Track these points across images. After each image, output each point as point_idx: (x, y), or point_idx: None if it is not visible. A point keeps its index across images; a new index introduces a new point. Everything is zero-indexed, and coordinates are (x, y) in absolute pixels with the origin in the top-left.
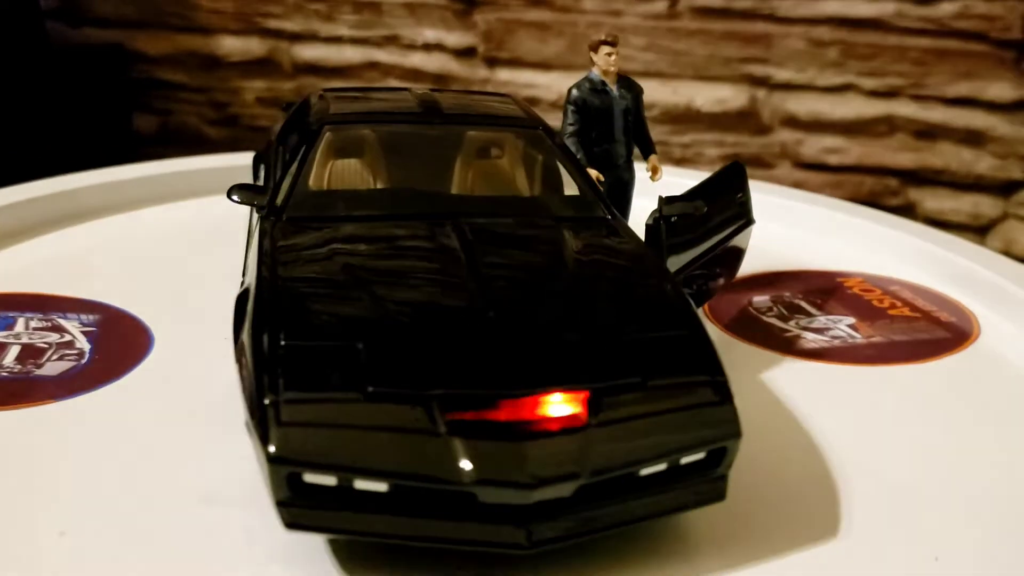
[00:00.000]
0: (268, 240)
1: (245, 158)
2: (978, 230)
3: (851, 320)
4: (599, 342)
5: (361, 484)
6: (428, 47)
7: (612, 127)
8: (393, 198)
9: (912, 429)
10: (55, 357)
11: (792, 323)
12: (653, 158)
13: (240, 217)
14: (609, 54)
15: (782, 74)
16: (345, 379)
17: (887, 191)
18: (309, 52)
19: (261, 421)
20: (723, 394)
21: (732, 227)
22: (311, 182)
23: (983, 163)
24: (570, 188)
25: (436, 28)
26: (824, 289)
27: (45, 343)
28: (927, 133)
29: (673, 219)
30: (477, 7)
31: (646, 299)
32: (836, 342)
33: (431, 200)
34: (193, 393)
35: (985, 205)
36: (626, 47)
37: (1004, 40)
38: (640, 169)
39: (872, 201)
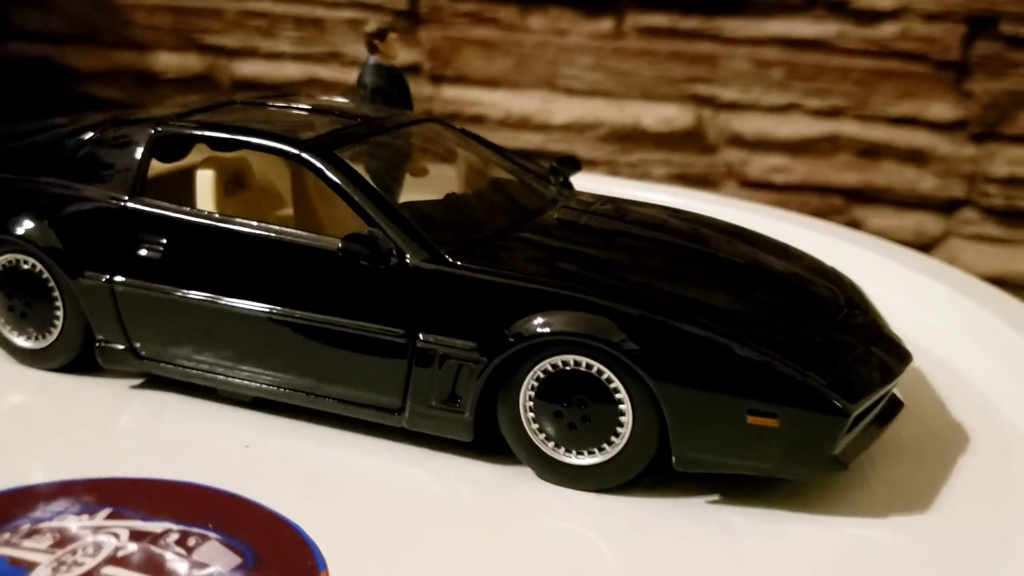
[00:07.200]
0: (488, 277)
1: None
2: (921, 247)
3: None
4: (816, 282)
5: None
6: None
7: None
8: (485, 203)
9: None
10: (198, 559)
11: None
12: None
13: None
14: (395, 40)
15: (727, 94)
16: (797, 348)
17: (832, 209)
18: (248, 68)
19: (808, 392)
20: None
21: None
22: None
23: (926, 182)
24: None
25: None
26: None
27: (155, 551)
28: (870, 152)
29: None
30: (422, 24)
31: (754, 240)
32: None
33: (512, 198)
34: None
35: (928, 223)
36: (572, 67)
37: (944, 61)
38: None
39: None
